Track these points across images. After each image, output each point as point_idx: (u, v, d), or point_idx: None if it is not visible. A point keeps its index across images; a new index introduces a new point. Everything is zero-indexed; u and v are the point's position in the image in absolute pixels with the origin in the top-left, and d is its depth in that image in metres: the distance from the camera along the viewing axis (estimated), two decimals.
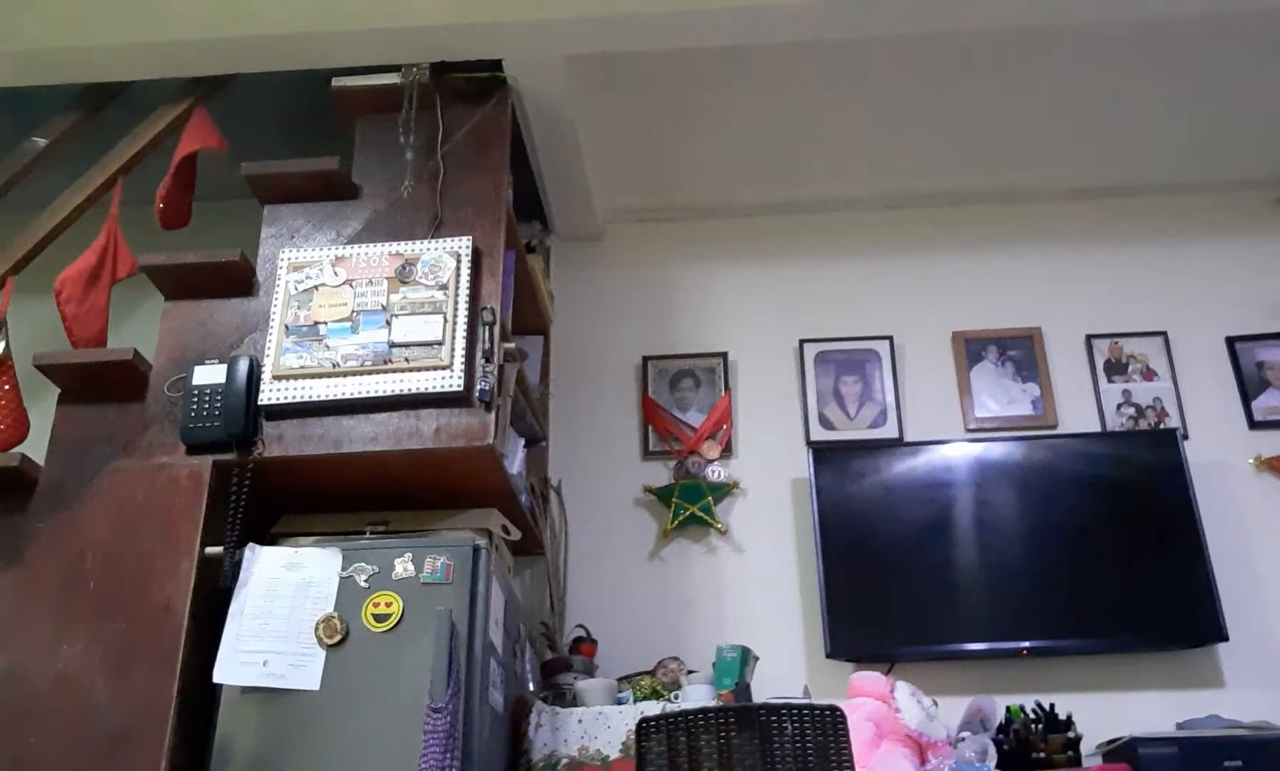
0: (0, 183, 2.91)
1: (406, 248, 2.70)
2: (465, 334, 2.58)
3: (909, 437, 3.45)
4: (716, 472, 3.44)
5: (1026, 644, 3.04)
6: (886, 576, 3.15)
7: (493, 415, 2.50)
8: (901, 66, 3.28)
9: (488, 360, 2.55)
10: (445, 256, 2.67)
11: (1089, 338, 3.57)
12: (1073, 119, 3.52)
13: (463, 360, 2.54)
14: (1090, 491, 3.21)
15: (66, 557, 2.42)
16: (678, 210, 3.85)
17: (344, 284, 2.67)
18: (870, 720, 2.58)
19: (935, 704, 2.66)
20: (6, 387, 2.71)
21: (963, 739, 2.66)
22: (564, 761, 2.53)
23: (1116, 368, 3.52)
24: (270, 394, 2.54)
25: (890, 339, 3.60)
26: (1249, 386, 3.46)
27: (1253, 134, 3.60)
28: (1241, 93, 3.43)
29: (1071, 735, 2.72)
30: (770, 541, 3.35)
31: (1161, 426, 3.41)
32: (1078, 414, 3.47)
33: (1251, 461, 3.35)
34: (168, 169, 2.96)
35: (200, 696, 2.30)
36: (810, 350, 3.60)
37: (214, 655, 2.30)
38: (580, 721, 2.60)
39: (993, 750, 2.60)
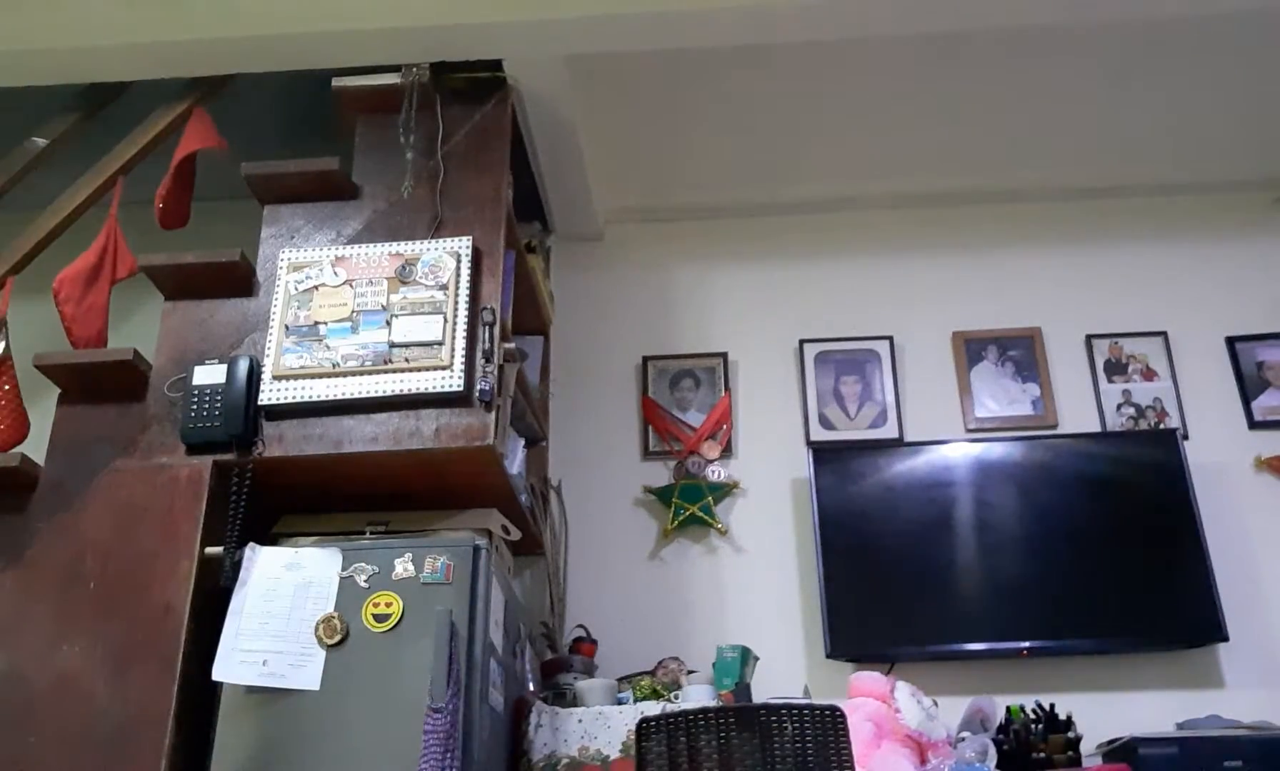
0: (0, 183, 2.92)
1: (406, 248, 2.70)
2: (465, 334, 2.58)
3: (909, 438, 3.45)
4: (716, 472, 3.44)
5: (1026, 644, 3.04)
6: (887, 576, 3.15)
7: (493, 415, 2.50)
8: (901, 66, 3.28)
9: (488, 360, 2.55)
10: (445, 256, 2.67)
11: (1089, 338, 3.57)
12: (1073, 119, 3.52)
13: (463, 360, 2.54)
14: (1090, 491, 3.21)
15: (66, 557, 2.42)
16: (678, 210, 3.85)
17: (344, 284, 2.67)
18: (870, 720, 2.58)
19: (935, 704, 2.66)
20: (6, 388, 2.71)
21: (963, 739, 2.66)
22: (564, 761, 2.53)
23: (1116, 367, 3.52)
24: (270, 394, 2.54)
25: (890, 339, 3.60)
26: (1249, 386, 3.46)
27: (1253, 134, 3.60)
28: (1241, 93, 3.43)
29: (1071, 735, 2.72)
30: (770, 541, 3.35)
31: (1161, 426, 3.41)
32: (1078, 414, 3.47)
33: (1251, 461, 3.36)
34: (168, 169, 2.96)
35: (200, 696, 2.30)
36: (810, 350, 3.60)
37: (214, 655, 2.30)
38: (580, 721, 2.59)
39: (993, 750, 2.60)
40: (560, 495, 3.43)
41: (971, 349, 3.58)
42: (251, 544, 2.44)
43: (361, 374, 2.54)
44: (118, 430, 2.57)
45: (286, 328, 2.62)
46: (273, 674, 2.29)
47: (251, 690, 2.29)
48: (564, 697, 2.79)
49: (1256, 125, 3.56)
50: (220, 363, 2.57)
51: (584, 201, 3.63)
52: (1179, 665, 3.11)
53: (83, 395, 2.63)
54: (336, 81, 2.95)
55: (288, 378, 2.55)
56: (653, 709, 2.57)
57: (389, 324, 2.60)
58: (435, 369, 2.54)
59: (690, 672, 2.90)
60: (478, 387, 2.52)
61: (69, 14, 2.85)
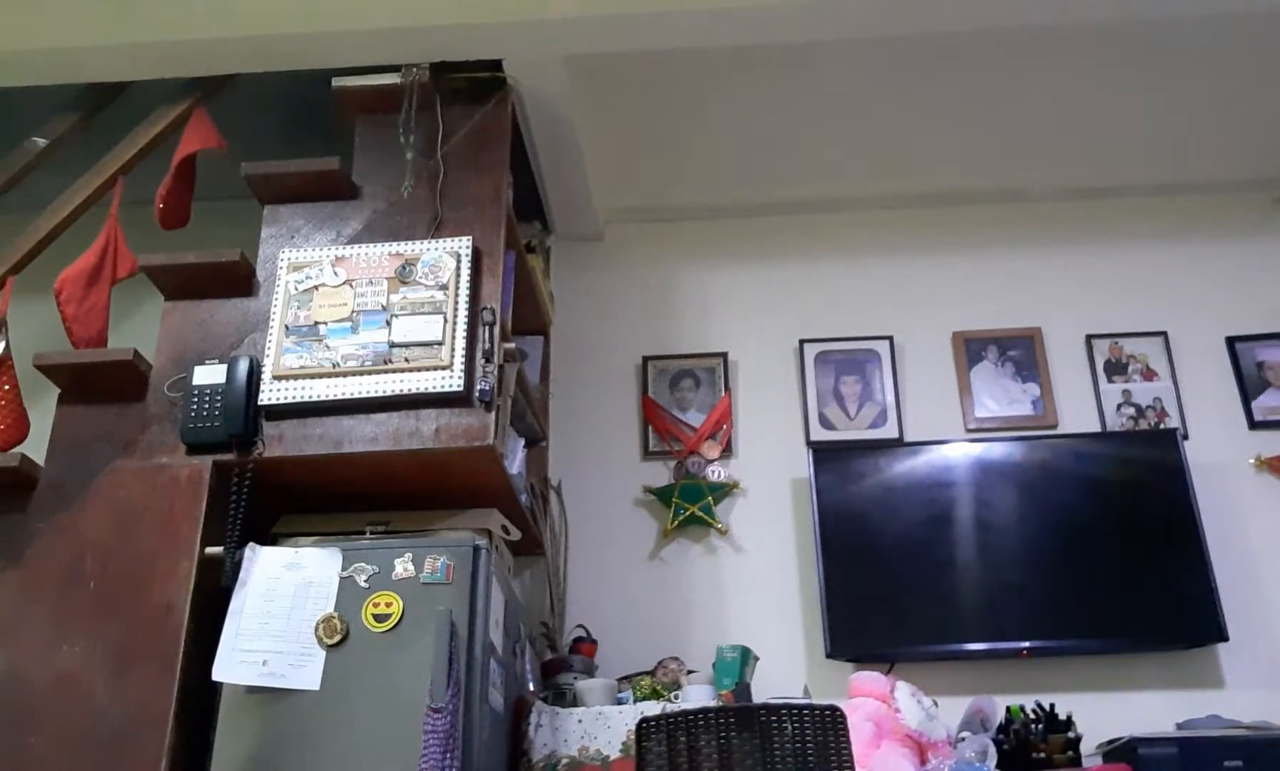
0: (0, 183, 2.92)
1: (406, 248, 2.70)
2: (465, 334, 2.58)
3: (909, 438, 3.45)
4: (716, 472, 3.44)
5: (1026, 644, 3.04)
6: (886, 576, 3.15)
7: (493, 415, 2.50)
8: (900, 67, 3.28)
9: (488, 360, 2.55)
10: (445, 256, 2.67)
11: (1089, 338, 3.57)
12: (1073, 119, 3.52)
13: (463, 360, 2.54)
14: (1090, 491, 3.21)
15: (66, 557, 2.42)
16: (678, 210, 3.85)
17: (344, 284, 2.67)
18: (870, 720, 2.58)
19: (935, 704, 2.66)
20: (6, 388, 2.71)
21: (963, 739, 2.66)
22: (564, 761, 2.53)
23: (1116, 367, 3.52)
24: (270, 394, 2.54)
25: (890, 339, 3.60)
26: (1249, 386, 3.46)
27: (1253, 134, 3.60)
28: (1241, 93, 3.43)
29: (1071, 735, 2.72)
30: (770, 541, 3.35)
31: (1161, 426, 3.41)
32: (1078, 414, 3.47)
33: (1251, 461, 3.35)
34: (168, 169, 2.96)
35: (200, 696, 2.30)
36: (810, 350, 3.60)
37: (214, 655, 2.30)
38: (580, 721, 2.60)
39: (993, 750, 2.60)
40: (560, 495, 3.43)
41: (971, 349, 3.58)
42: (251, 544, 2.44)
43: (361, 374, 2.54)
44: (118, 430, 2.57)
45: (286, 328, 2.62)
46: (273, 674, 2.29)
47: (251, 690, 2.29)
48: (564, 697, 2.79)
49: (1256, 125, 3.56)
50: (220, 363, 2.57)
51: (584, 201, 3.63)
52: (1179, 665, 3.11)
53: (83, 395, 2.63)
54: (336, 81, 2.95)
55: (288, 377, 2.55)
56: (653, 709, 2.57)
57: (389, 324, 2.60)
58: (435, 369, 2.54)
59: (690, 672, 2.90)
60: (478, 388, 2.52)
61: (69, 14, 2.85)
